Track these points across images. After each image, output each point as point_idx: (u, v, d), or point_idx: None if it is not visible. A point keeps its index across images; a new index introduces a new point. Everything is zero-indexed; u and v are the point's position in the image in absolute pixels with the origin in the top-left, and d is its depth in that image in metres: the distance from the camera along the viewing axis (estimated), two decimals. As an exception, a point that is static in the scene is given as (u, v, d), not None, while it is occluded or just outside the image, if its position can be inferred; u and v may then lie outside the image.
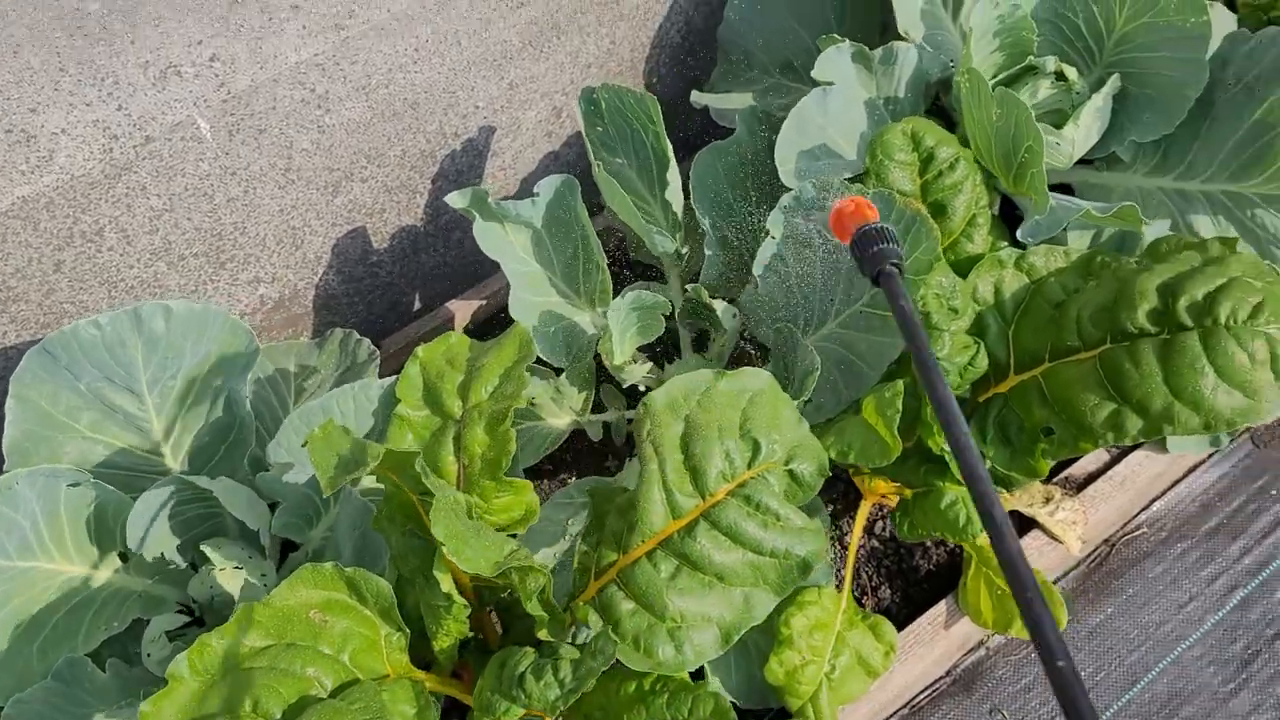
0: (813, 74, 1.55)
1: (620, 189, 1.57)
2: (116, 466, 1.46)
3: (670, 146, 1.58)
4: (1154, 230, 1.53)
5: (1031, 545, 1.61)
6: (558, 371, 1.63)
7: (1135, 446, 1.70)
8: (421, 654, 1.28)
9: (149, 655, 1.30)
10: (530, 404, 1.63)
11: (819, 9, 1.85)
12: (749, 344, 1.80)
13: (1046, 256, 1.44)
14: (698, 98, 1.87)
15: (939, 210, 1.47)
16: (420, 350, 1.36)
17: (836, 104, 1.58)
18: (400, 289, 1.96)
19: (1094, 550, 1.82)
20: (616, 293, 1.71)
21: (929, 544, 1.67)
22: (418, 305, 2.01)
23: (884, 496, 1.65)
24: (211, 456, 1.49)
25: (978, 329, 1.45)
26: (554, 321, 1.63)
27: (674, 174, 1.58)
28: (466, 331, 1.97)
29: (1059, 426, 1.33)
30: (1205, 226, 1.65)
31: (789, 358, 1.47)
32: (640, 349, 1.75)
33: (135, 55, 1.43)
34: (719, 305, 1.56)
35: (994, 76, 1.75)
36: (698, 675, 1.42)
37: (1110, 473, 1.67)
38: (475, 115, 1.81)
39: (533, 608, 1.16)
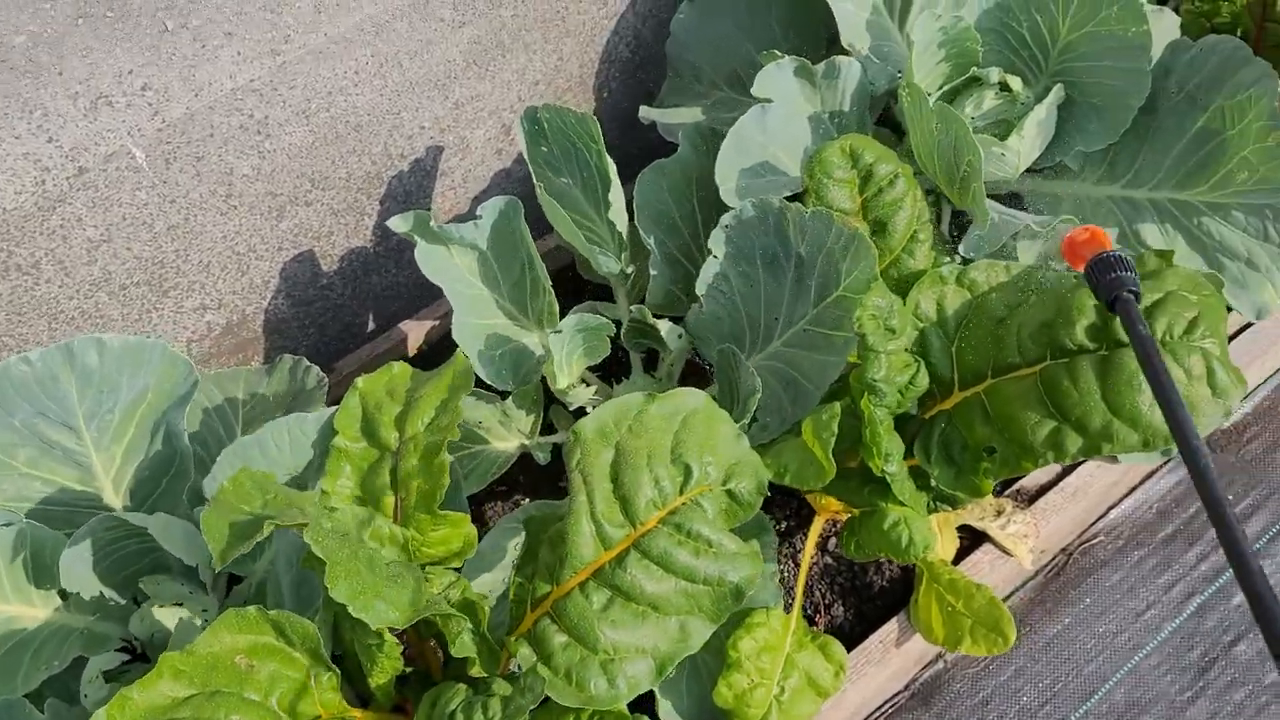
0: (752, 91, 1.54)
1: (561, 210, 1.56)
2: (56, 503, 1.44)
3: (613, 165, 1.57)
4: (1097, 242, 1.52)
5: (982, 559, 1.60)
6: (504, 395, 1.62)
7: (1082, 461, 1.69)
8: (361, 690, 1.27)
9: (86, 696, 1.29)
10: (477, 427, 1.62)
11: (763, 22, 1.84)
12: (703, 362, 1.79)
13: (988, 271, 1.44)
14: (646, 113, 1.86)
15: (880, 227, 1.46)
16: (360, 381, 1.35)
17: (777, 120, 1.58)
18: (353, 311, 1.94)
19: (1051, 560, 1.82)
20: (566, 312, 1.70)
21: (882, 560, 1.66)
22: (371, 326, 2.00)
23: (837, 513, 1.64)
24: (153, 490, 1.48)
25: (921, 346, 1.44)
26: (501, 344, 1.62)
27: (617, 193, 1.57)
28: (420, 352, 1.96)
29: (1001, 445, 1.32)
30: (1153, 235, 1.65)
31: (733, 378, 1.46)
32: (592, 369, 1.74)
33: (64, 87, 1.41)
34: (663, 326, 1.55)
35: (941, 87, 1.75)
36: (649, 700, 1.41)
37: (1062, 484, 1.66)
38: (421, 136, 1.80)
39: (459, 648, 1.15)
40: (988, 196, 1.81)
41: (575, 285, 1.93)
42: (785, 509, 1.72)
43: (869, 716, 1.66)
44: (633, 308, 1.57)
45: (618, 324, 1.67)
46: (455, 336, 1.55)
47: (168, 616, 1.35)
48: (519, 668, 1.21)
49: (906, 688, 1.70)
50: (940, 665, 1.71)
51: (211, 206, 1.62)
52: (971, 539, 1.64)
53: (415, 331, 1.95)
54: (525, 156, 1.61)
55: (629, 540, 1.20)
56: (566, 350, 1.54)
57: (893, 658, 1.54)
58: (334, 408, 1.33)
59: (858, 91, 1.67)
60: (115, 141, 1.46)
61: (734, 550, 1.20)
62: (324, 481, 1.28)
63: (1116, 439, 1.23)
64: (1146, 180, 1.66)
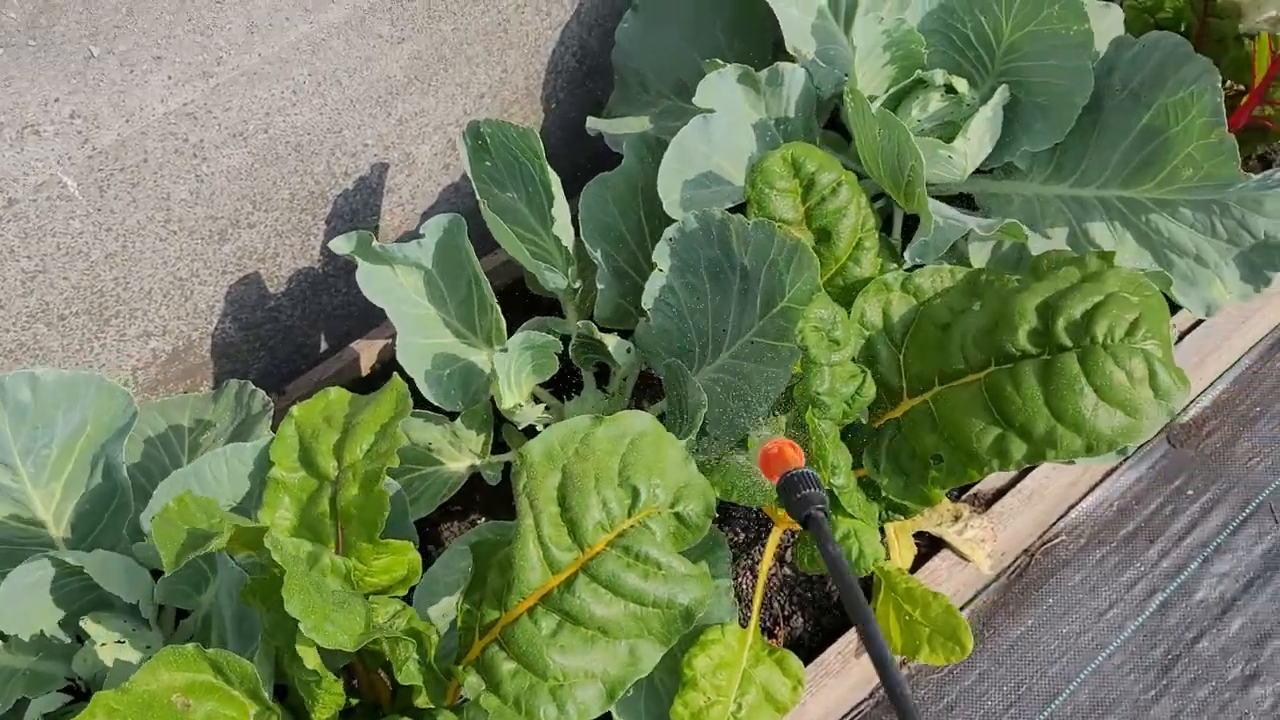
0: (694, 100, 1.53)
1: (505, 226, 1.54)
2: (-4, 540, 1.41)
3: (556, 180, 1.55)
4: (1044, 243, 1.51)
5: (941, 566, 1.59)
6: (454, 415, 1.60)
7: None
8: (307, 724, 1.25)
9: (26, 739, 1.26)
10: (428, 449, 1.59)
11: (708, 30, 1.83)
12: (656, 374, 1.77)
13: (933, 277, 1.43)
14: (593, 124, 1.84)
15: (825, 236, 1.45)
16: (296, 409, 1.32)
17: (720, 129, 1.56)
18: (303, 332, 1.92)
19: (1014, 561, 1.81)
20: (516, 327, 1.69)
21: (841, 568, 1.65)
22: (324, 346, 1.97)
23: (794, 524, 1.63)
24: (95, 525, 1.45)
25: (868, 355, 1.43)
26: (449, 363, 1.60)
27: (561, 208, 1.55)
28: (373, 371, 1.94)
29: (947, 453, 1.31)
30: (1102, 233, 1.64)
31: (681, 394, 1.45)
32: (545, 385, 1.72)
33: (-12, 117, 1.38)
34: (611, 341, 1.53)
35: (887, 90, 1.74)
36: None
37: (1018, 487, 1.66)
38: (365, 153, 1.77)
39: (405, 676, 1.13)
40: (938, 198, 1.80)
41: (526, 300, 1.91)
42: (743, 520, 1.70)
43: (834, 726, 1.65)
44: (580, 323, 1.55)
45: (568, 339, 1.65)
46: (400, 358, 1.52)
47: (111, 655, 1.32)
48: (468, 697, 1.19)
49: (871, 695, 1.69)
50: (904, 672, 1.70)
51: (150, 232, 1.59)
52: (930, 545, 1.63)
53: (368, 351, 1.93)
54: (469, 173, 1.59)
55: (577, 564, 1.18)
56: (514, 369, 1.52)
57: (853, 668, 1.53)
58: (271, 437, 1.30)
59: (803, 97, 1.66)
60: (45, 171, 1.43)
61: (683, 572, 1.19)
62: (262, 513, 1.26)
63: (1060, 445, 1.22)
64: (1094, 178, 1.66)
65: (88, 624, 1.33)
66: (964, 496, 1.69)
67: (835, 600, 1.62)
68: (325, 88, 1.65)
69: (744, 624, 1.54)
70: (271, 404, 1.58)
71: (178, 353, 1.76)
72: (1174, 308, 1.62)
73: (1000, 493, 1.66)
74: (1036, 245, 1.60)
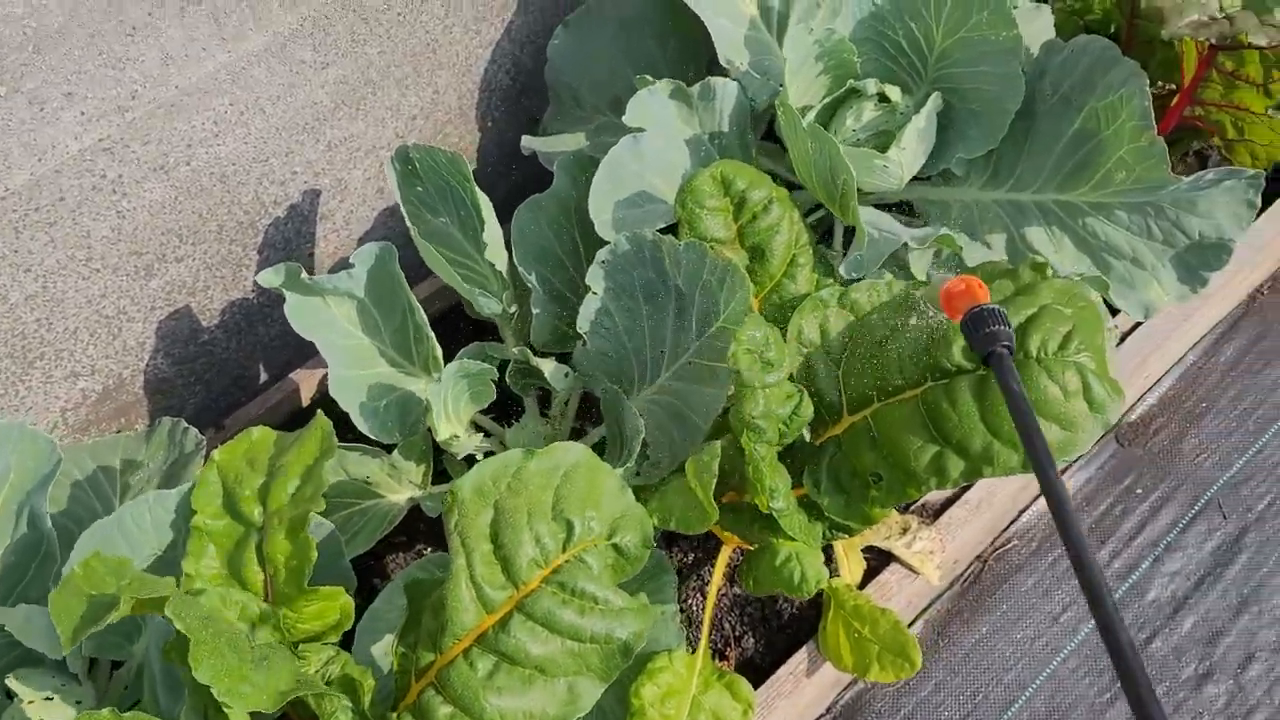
0: (624, 119, 1.51)
1: (436, 253, 1.51)
2: (-80, 598, 1.37)
3: (486, 204, 1.52)
4: (983, 251, 1.50)
5: (891, 579, 1.58)
6: (391, 448, 1.57)
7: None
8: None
9: (-50, 806, 1.22)
10: (366, 482, 1.56)
11: (641, 44, 1.81)
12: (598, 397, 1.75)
13: (869, 292, 1.41)
14: (528, 143, 1.81)
15: (758, 254, 1.43)
16: (218, 453, 1.29)
17: (653, 147, 1.54)
18: (240, 364, 1.88)
19: (967, 568, 1.81)
20: (455, 352, 1.66)
21: (791, 586, 1.63)
22: (263, 378, 1.94)
23: (743, 543, 1.61)
24: (21, 577, 1.40)
25: (806, 373, 1.41)
26: (385, 394, 1.57)
27: (492, 233, 1.52)
28: (314, 400, 1.90)
29: (886, 471, 1.29)
30: (1040, 237, 1.64)
31: (618, 420, 1.42)
32: (487, 411, 1.69)
33: (-109, 162, 1.34)
34: (547, 366, 1.51)
35: (822, 99, 1.72)
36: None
37: (965, 498, 1.65)
38: (294, 181, 1.74)
39: (335, 730, 1.10)
40: (878, 206, 1.79)
41: (467, 324, 1.88)
42: (692, 540, 1.69)
43: (790, 745, 1.64)
44: (516, 349, 1.52)
45: (507, 364, 1.63)
46: (334, 392, 1.49)
47: (39, 713, 1.28)
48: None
49: (829, 710, 1.67)
50: (861, 685, 1.69)
51: (71, 271, 1.55)
52: (879, 558, 1.62)
53: (307, 381, 1.89)
54: (398, 199, 1.55)
55: (512, 602, 1.16)
56: (450, 398, 1.50)
57: (805, 688, 1.51)
58: (193, 484, 1.27)
59: (736, 111, 1.64)
60: (-45, 214, 1.39)
61: (621, 606, 1.17)
62: (186, 563, 1.22)
63: (997, 461, 1.21)
64: (1030, 183, 1.65)
65: (12, 682, 1.29)
66: (912, 508, 1.68)
67: (786, 619, 1.61)
68: (249, 117, 1.61)
69: (693, 647, 1.52)
70: (204, 442, 1.55)
71: (109, 392, 1.71)
72: (1116, 310, 1.62)
73: (948, 503, 1.65)
74: (975, 253, 1.59)
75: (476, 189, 1.52)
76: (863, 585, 1.59)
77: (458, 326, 1.91)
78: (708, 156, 1.62)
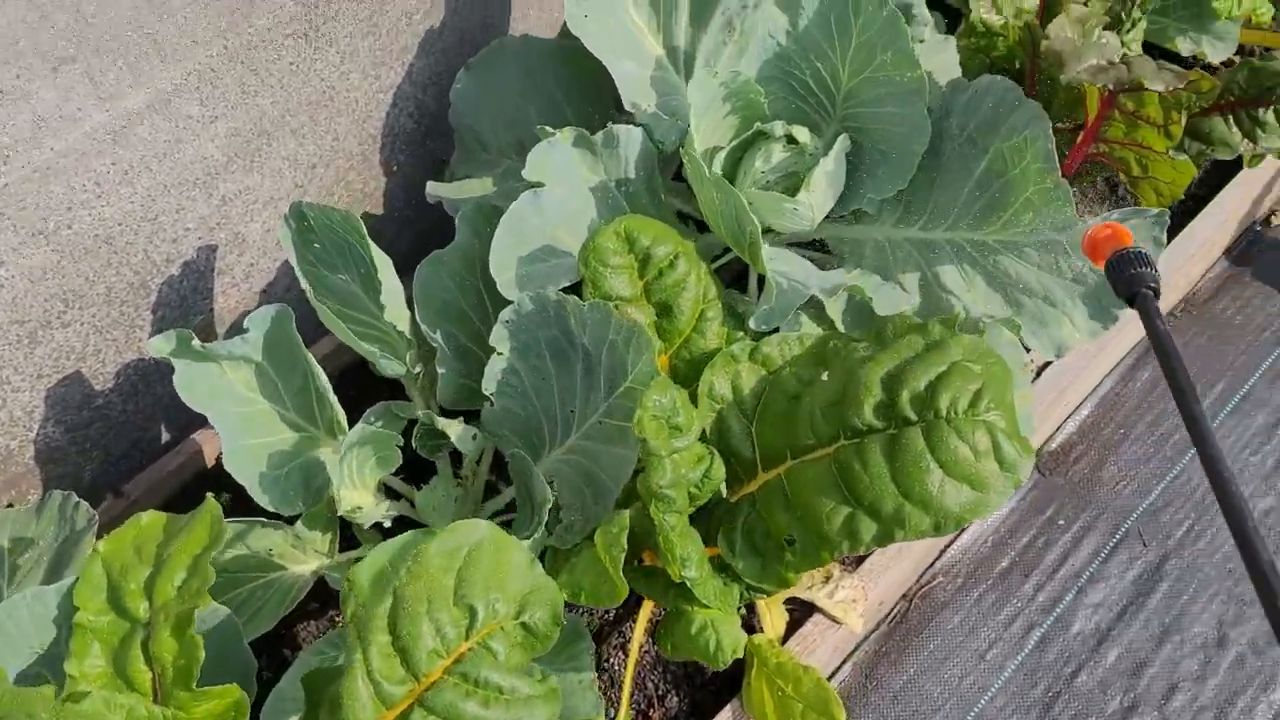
0: (524, 174, 1.46)
1: (334, 316, 1.46)
2: None
3: (385, 263, 1.47)
4: (896, 294, 1.48)
5: (814, 630, 1.56)
6: (294, 519, 1.51)
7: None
8: None
9: None
10: (269, 554, 1.50)
11: (544, 87, 1.76)
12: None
13: (780, 345, 1.39)
14: (433, 190, 1.76)
15: (665, 310, 1.39)
16: (102, 544, 1.22)
17: (556, 199, 1.50)
18: (138, 426, 1.80)
19: (893, 608, 1.79)
20: (363, 412, 1.60)
21: (715, 640, 1.60)
22: (165, 438, 1.86)
23: (664, 596, 1.57)
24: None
25: (719, 430, 1.38)
26: (288, 461, 1.51)
27: (392, 293, 1.47)
28: (218, 461, 1.83)
29: (800, 534, 1.27)
30: (953, 276, 1.62)
31: (527, 485, 1.38)
32: (399, 472, 1.63)
33: None
34: (454, 430, 1.46)
35: (731, 140, 1.69)
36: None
37: (886, 543, 1.63)
38: (187, 238, 1.67)
39: (224, 846, 1.04)
40: (793, 244, 1.77)
41: (376, 380, 1.82)
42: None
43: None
44: (421, 413, 1.47)
45: (415, 423, 1.57)
46: (230, 467, 1.43)
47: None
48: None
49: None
50: (789, 734, 1.66)
51: (-54, 345, 1.47)
52: (802, 609, 1.59)
53: (211, 441, 1.82)
54: (293, 260, 1.49)
55: (411, 697, 1.11)
56: (355, 465, 1.44)
57: (730, 748, 1.48)
58: (74, 579, 1.20)
59: (642, 157, 1.60)
60: None
61: (528, 693, 1.12)
62: (69, 664, 1.15)
63: (909, 524, 1.19)
64: (941, 221, 1.64)
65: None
66: (834, 555, 1.65)
67: (710, 675, 1.58)
68: (134, 176, 1.54)
69: (616, 708, 1.48)
70: (95, 517, 1.47)
71: (-5, 465, 1.63)
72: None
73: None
74: (888, 295, 1.56)
75: (373, 248, 1.46)
76: (786, 637, 1.56)
77: (369, 380, 1.85)
78: (615, 204, 1.59)
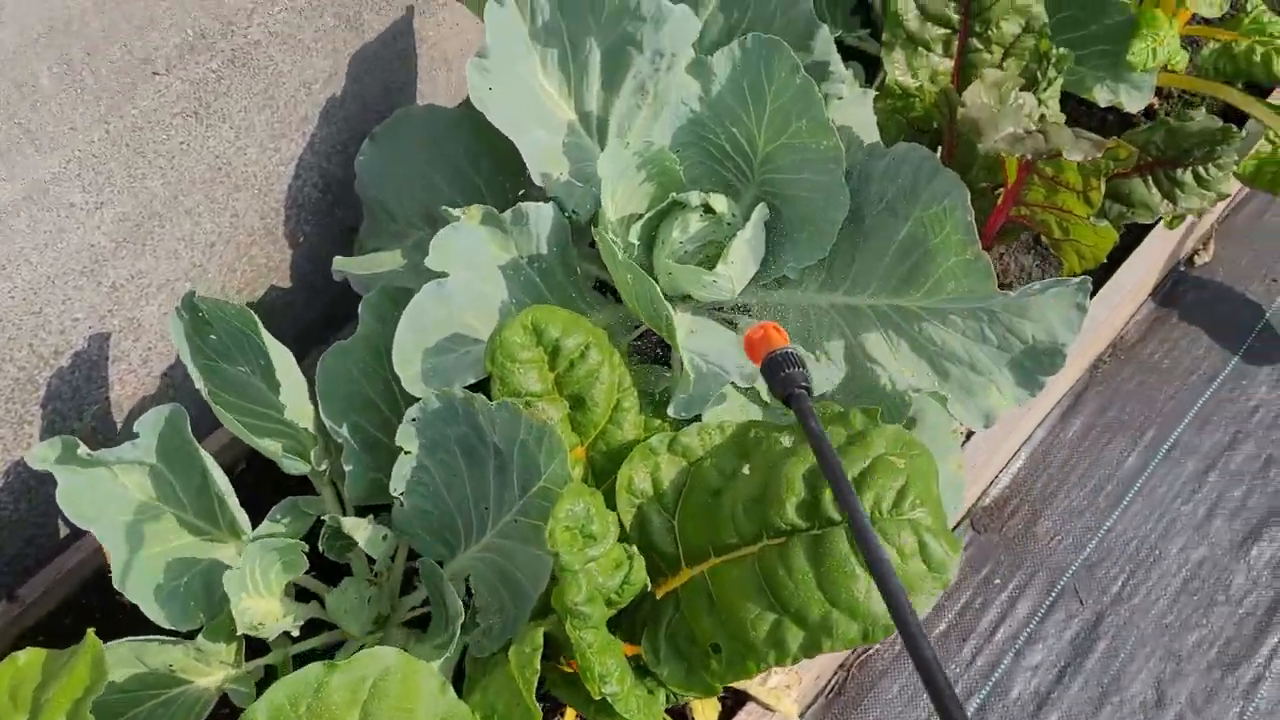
0: (428, 263, 1.39)
1: (232, 416, 1.38)
2: None
3: (282, 358, 1.40)
4: (820, 367, 1.44)
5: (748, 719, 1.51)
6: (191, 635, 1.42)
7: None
8: None
9: None
10: (169, 670, 1.41)
11: (451, 156, 1.70)
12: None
13: (701, 435, 1.33)
14: (340, 266, 1.68)
15: (579, 403, 1.33)
16: (-27, 691, 1.13)
17: (463, 285, 1.43)
18: (33, 524, 1.70)
19: (831, 678, 1.75)
20: (273, 503, 1.53)
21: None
22: (63, 533, 1.76)
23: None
24: None
25: (640, 525, 1.32)
26: (187, 569, 1.42)
27: (291, 390, 1.40)
28: (122, 557, 1.73)
29: (725, 641, 1.21)
30: (878, 343, 1.58)
31: (440, 594, 1.31)
32: (311, 568, 1.55)
33: None
34: (362, 533, 1.38)
35: (648, 209, 1.64)
36: None
37: (819, 623, 1.58)
38: (76, 328, 1.57)
39: None
40: (713, 311, 1.72)
41: (282, 471, 1.73)
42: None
43: None
44: (327, 516, 1.40)
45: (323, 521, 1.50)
46: (120, 585, 1.34)
47: None
48: None
49: None
50: (728, 819, 1.61)
51: None
52: (734, 697, 1.54)
53: (112, 536, 1.72)
54: (186, 356, 1.41)
55: (313, 847, 1.04)
56: (258, 572, 1.36)
57: None
58: (-55, 735, 1.11)
59: (554, 231, 1.54)
60: None
61: (438, 833, 1.06)
62: (-61, 830, 1.06)
63: (836, 632, 1.14)
64: (864, 287, 1.60)
65: None
66: (767, 636, 1.60)
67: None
68: (12, 270, 1.44)
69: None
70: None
71: (-127, 579, 1.52)
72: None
73: (803, 629, 1.58)
74: (811, 369, 1.51)
75: (270, 342, 1.39)
76: (720, 727, 1.51)
77: (277, 470, 1.75)
78: (528, 283, 1.53)
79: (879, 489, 1.16)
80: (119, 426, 1.73)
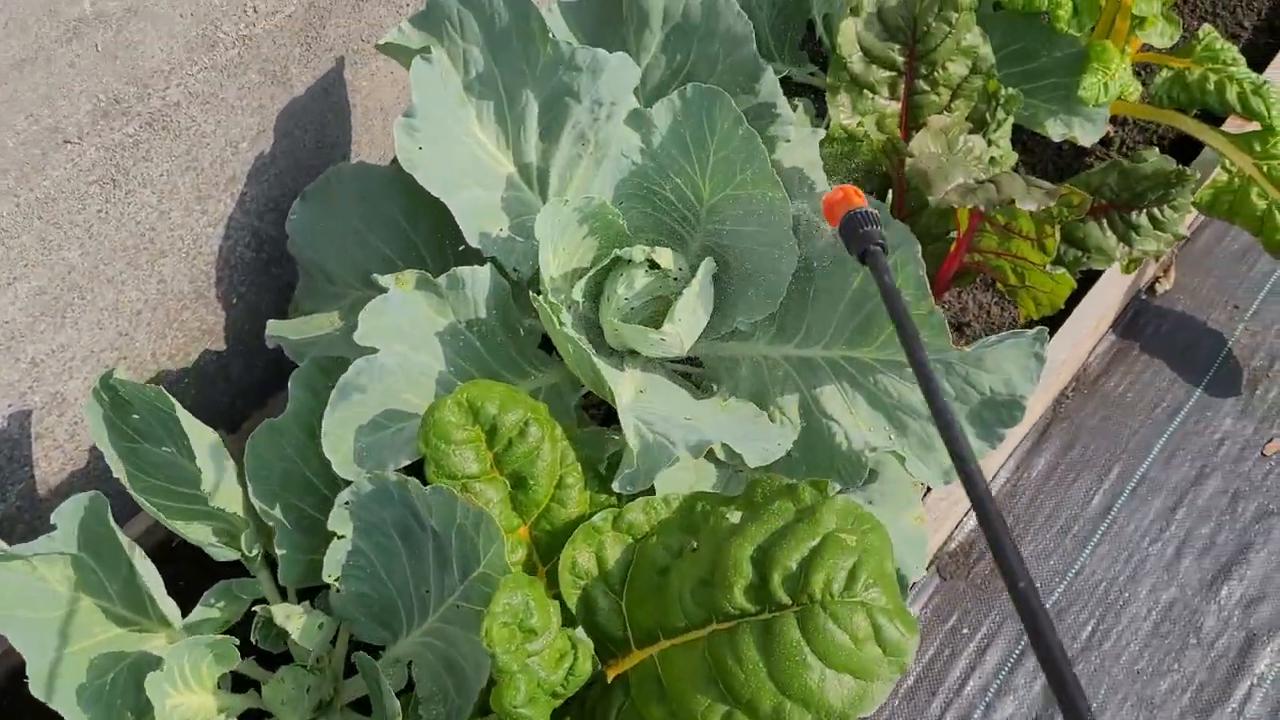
0: (356, 337, 1.33)
1: (151, 497, 1.32)
2: None
3: (204, 444, 1.33)
4: (765, 445, 1.38)
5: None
6: (120, 734, 1.35)
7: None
8: None
9: None
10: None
11: (386, 215, 1.64)
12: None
13: (646, 511, 1.28)
14: (274, 331, 1.61)
15: (520, 482, 1.28)
16: None
17: (396, 358, 1.36)
18: (-43, 611, 1.61)
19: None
20: (208, 585, 1.46)
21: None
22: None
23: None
24: None
25: (586, 606, 1.26)
26: (113, 664, 1.35)
27: (215, 475, 1.33)
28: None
29: (676, 736, 1.16)
30: (834, 397, 1.53)
31: (378, 689, 1.25)
32: (252, 654, 1.48)
33: None
34: (296, 623, 1.32)
35: (592, 264, 1.59)
36: None
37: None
38: (-6, 407, 1.50)
39: None
40: (664, 364, 1.66)
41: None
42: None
43: None
44: (257, 608, 1.33)
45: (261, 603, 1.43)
46: (38, 691, 1.26)
47: None
48: None
49: None
50: None
51: None
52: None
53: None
54: (104, 444, 1.34)
55: None
56: (188, 665, 1.29)
57: None
58: None
59: (493, 294, 1.48)
60: None
61: None
62: None
63: (791, 726, 1.08)
64: (818, 339, 1.55)
65: None
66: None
67: None
68: (-82, 353, 1.37)
69: None
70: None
71: None
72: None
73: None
74: (758, 447, 1.45)
75: (189, 426, 1.32)
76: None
77: (195, 562, 1.68)
78: (468, 347, 1.46)
79: (829, 570, 1.11)
80: (45, 505, 1.65)
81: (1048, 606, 1.78)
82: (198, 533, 1.36)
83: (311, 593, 1.48)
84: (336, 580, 1.32)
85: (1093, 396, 2.03)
